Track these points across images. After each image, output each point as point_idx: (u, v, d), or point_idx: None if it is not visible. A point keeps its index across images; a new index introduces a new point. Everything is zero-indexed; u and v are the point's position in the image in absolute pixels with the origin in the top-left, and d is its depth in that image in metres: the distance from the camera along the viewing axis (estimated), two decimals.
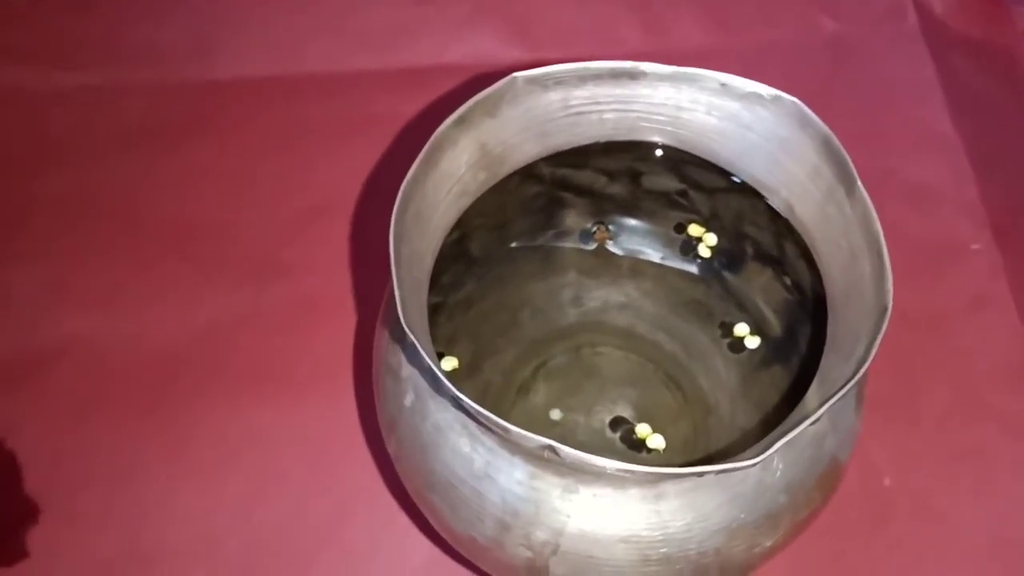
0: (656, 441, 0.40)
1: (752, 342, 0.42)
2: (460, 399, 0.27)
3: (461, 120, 0.33)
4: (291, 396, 0.46)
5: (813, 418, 0.27)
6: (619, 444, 0.42)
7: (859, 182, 0.32)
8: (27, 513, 0.43)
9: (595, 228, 0.43)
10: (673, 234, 0.43)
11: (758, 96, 0.34)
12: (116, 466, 0.44)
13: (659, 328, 0.44)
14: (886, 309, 0.29)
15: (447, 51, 0.59)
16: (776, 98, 0.34)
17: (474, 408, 0.27)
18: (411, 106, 0.57)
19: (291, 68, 0.58)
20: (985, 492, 0.45)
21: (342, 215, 0.53)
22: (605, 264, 0.44)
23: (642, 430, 0.41)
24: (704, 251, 0.42)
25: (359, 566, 0.42)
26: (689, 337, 0.44)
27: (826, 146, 0.33)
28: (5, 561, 0.42)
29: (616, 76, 0.35)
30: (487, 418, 0.27)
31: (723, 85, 0.34)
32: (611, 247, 0.44)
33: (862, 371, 0.28)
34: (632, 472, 0.26)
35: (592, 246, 0.44)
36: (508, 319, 0.44)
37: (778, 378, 0.40)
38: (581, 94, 0.35)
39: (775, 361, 0.41)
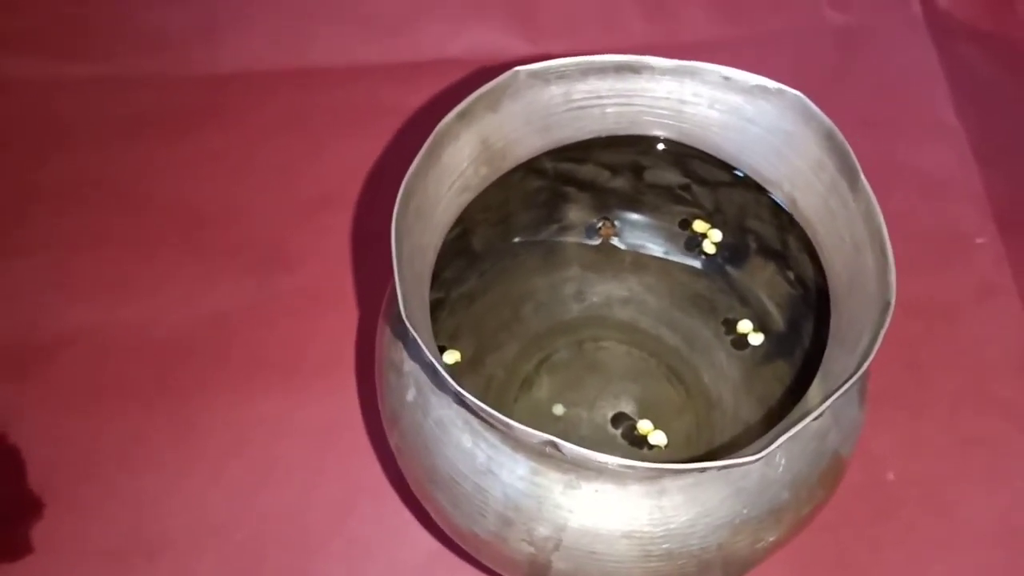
0: (658, 438, 0.40)
1: (755, 339, 0.41)
2: (462, 395, 0.27)
3: (462, 114, 0.33)
4: (295, 386, 0.47)
5: (815, 414, 0.27)
6: (620, 440, 0.42)
7: (862, 175, 0.32)
8: (30, 503, 0.43)
9: (600, 223, 0.43)
10: (677, 229, 0.43)
11: (761, 89, 0.34)
12: (119, 456, 0.44)
13: (662, 322, 0.44)
14: (889, 304, 0.29)
15: (452, 43, 0.59)
16: (779, 91, 0.34)
17: (476, 404, 0.27)
18: (415, 98, 0.57)
19: (295, 60, 0.58)
20: (993, 482, 0.45)
21: (346, 207, 0.53)
22: (608, 259, 0.44)
23: (644, 426, 0.41)
24: (709, 247, 0.42)
25: (362, 559, 0.42)
26: (692, 331, 0.44)
27: (829, 140, 0.33)
28: (8, 552, 0.42)
29: (619, 70, 0.35)
30: (489, 414, 0.27)
31: (726, 79, 0.34)
32: (615, 242, 0.44)
33: (865, 366, 0.28)
34: (634, 468, 0.26)
35: (596, 241, 0.44)
36: (510, 314, 0.44)
37: (781, 372, 0.40)
38: (583, 88, 0.35)
39: (778, 355, 0.41)
